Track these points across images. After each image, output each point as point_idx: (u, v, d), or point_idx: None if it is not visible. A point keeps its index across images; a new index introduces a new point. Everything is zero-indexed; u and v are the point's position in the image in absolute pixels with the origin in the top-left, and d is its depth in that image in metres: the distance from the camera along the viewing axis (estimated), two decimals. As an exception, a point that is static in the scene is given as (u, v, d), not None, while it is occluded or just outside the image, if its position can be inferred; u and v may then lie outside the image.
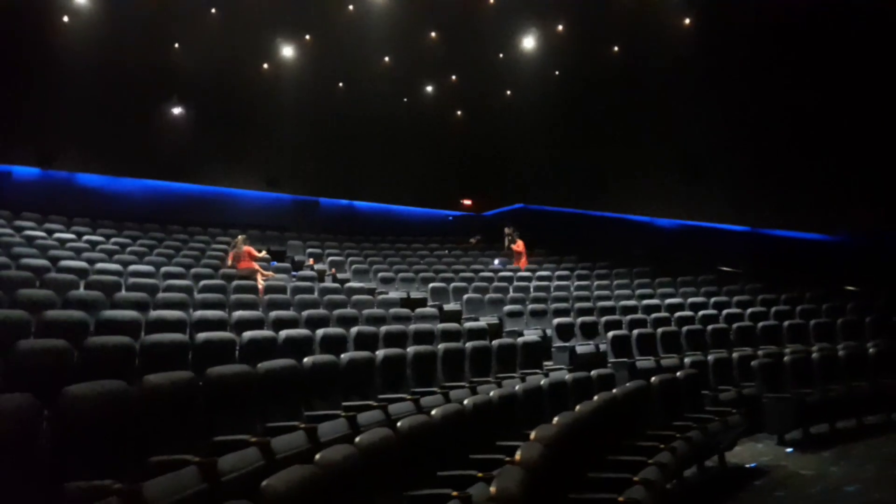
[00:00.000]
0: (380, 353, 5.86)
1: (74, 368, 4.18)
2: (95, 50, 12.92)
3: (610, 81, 14.98)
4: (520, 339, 7.83)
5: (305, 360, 4.98)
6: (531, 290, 12.48)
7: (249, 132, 15.87)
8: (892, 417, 7.62)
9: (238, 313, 6.92)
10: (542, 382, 5.64)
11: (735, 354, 8.35)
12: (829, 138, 12.56)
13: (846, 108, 12.12)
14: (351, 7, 12.74)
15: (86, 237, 11.20)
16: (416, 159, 17.93)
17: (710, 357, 8.22)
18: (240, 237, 10.84)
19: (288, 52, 14.22)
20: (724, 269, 14.69)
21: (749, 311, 10.86)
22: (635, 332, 9.09)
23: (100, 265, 8.71)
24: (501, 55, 15.01)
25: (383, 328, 7.36)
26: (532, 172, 18.03)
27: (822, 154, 12.68)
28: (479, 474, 3.78)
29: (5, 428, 2.75)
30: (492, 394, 4.95)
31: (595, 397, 4.85)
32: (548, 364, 8.56)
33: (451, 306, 11.19)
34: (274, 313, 7.30)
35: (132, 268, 9.13)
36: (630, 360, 8.62)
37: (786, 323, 10.09)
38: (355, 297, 9.75)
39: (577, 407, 4.43)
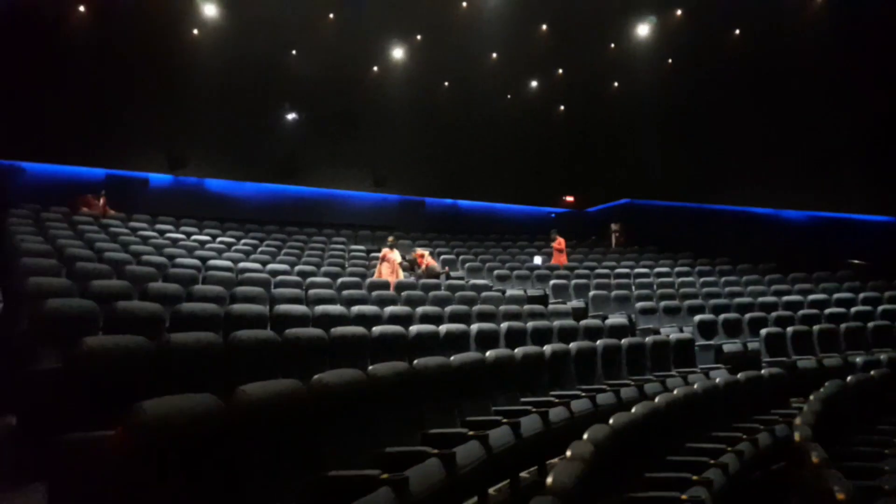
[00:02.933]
0: (547, 348, 5.69)
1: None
2: (219, 61, 13.51)
3: (728, 68, 14.18)
4: (672, 337, 7.45)
5: (488, 353, 4.87)
6: (654, 286, 12.00)
7: (358, 134, 16.16)
8: None
9: (389, 309, 6.95)
10: (740, 377, 5.45)
11: (911, 353, 7.62)
12: None
13: None
14: (464, 4, 12.66)
15: (220, 238, 11.71)
16: (517, 156, 17.73)
17: (882, 357, 7.53)
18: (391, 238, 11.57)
19: (398, 53, 14.35)
20: (856, 262, 13.64)
21: (908, 307, 9.94)
22: (790, 329, 8.49)
23: (246, 264, 9.03)
24: (613, 45, 14.54)
25: (529, 324, 7.20)
26: (639, 166, 17.38)
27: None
28: (712, 461, 3.75)
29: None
30: (696, 385, 4.82)
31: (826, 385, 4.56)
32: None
33: (574, 303, 10.91)
34: (420, 309, 7.29)
35: (272, 266, 9.45)
36: (788, 359, 8.05)
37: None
38: (484, 293, 9.66)
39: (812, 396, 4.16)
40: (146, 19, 12.45)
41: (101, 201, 12.45)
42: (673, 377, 6.50)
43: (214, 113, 13.88)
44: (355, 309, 6.52)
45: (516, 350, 5.28)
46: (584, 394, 5.18)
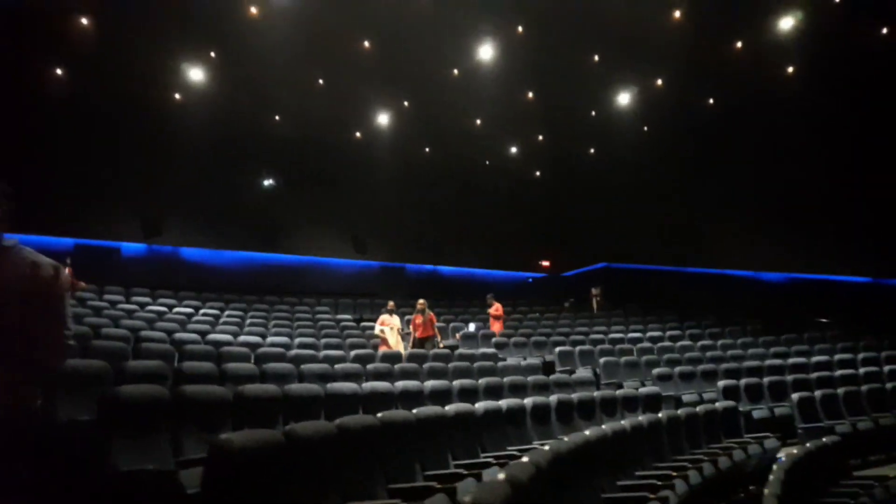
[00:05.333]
0: (626, 423, 5.26)
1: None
2: (197, 124, 12.98)
3: (703, 133, 14.66)
4: (719, 405, 7.14)
5: (588, 433, 4.41)
6: (654, 351, 11.80)
7: (339, 199, 15.75)
8: None
9: (430, 384, 6.41)
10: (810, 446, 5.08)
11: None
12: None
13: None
14: (456, 71, 12.71)
15: (203, 311, 10.91)
16: (495, 221, 17.64)
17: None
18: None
19: (384, 119, 14.20)
20: (823, 321, 14.01)
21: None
22: (818, 393, 8.35)
23: (249, 338, 8.31)
24: (594, 112, 14.87)
25: (574, 396, 6.78)
26: (616, 230, 17.55)
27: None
28: None
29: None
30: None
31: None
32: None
33: (582, 372, 10.53)
34: (457, 383, 6.78)
35: (271, 339, 8.76)
36: (821, 424, 7.86)
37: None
38: (501, 364, 9.21)
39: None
40: (124, 81, 11.88)
41: (67, 272, 11.47)
42: (735, 449, 6.15)
43: (192, 178, 13.25)
44: (399, 385, 5.96)
45: (605, 427, 4.84)
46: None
